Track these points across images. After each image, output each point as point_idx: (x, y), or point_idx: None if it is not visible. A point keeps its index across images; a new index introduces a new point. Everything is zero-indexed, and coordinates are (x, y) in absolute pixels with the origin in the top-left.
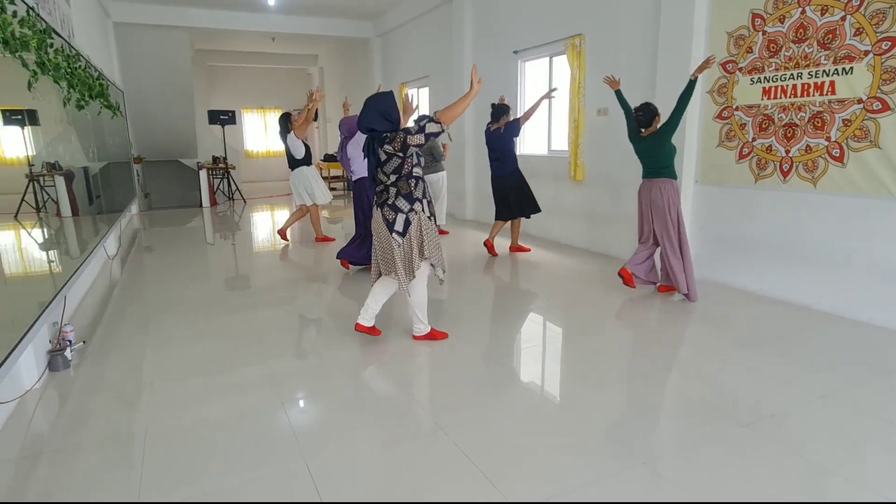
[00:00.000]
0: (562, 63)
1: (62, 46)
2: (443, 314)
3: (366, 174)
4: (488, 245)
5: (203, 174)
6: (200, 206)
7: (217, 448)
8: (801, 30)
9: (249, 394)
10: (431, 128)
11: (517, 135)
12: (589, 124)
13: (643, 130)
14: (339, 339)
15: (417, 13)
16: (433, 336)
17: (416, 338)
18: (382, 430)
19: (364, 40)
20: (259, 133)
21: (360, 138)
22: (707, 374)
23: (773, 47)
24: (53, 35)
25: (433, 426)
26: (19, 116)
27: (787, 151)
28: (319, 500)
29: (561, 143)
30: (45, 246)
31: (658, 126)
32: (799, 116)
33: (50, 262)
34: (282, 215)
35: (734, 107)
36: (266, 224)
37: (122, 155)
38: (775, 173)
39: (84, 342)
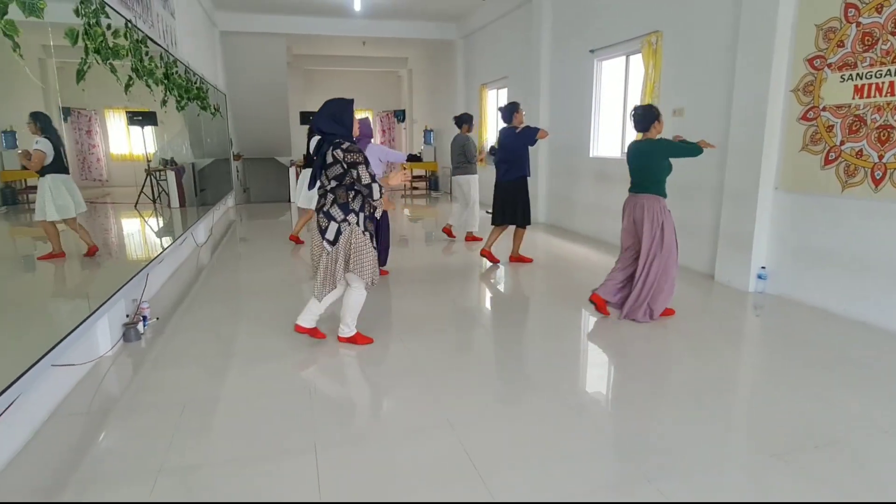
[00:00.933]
0: (638, 62)
1: (161, 54)
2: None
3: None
4: (485, 254)
5: (293, 171)
6: (289, 201)
7: (246, 422)
8: None
9: (310, 375)
10: (375, 192)
11: (531, 143)
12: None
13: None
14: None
15: (499, 14)
16: (356, 340)
17: (340, 339)
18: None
19: (448, 42)
20: None
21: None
22: (772, 396)
23: (867, 40)
24: (149, 44)
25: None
26: (140, 118)
27: (881, 157)
28: (320, 501)
29: None
30: (157, 232)
31: (656, 135)
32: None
33: (143, 244)
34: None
35: (821, 107)
36: None
37: (222, 152)
38: (866, 181)
39: (157, 318)
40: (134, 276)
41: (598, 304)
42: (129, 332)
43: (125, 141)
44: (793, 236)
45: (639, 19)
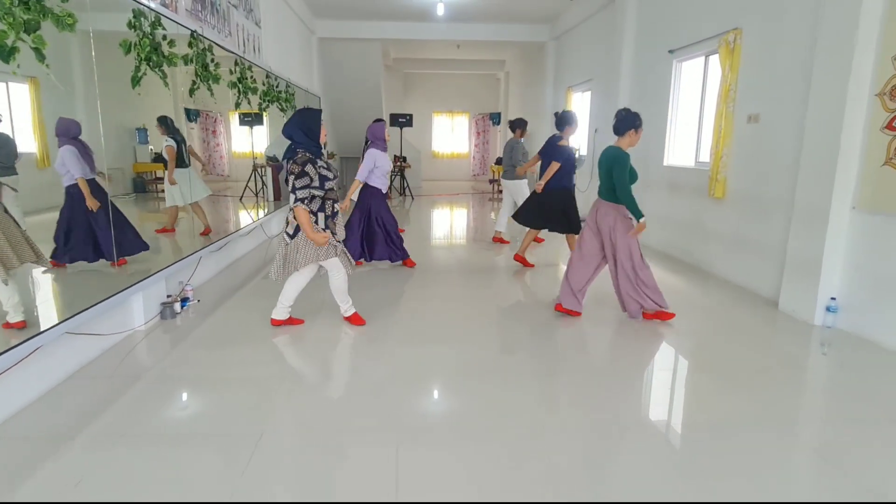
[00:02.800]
0: (717, 63)
1: (237, 60)
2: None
3: (381, 185)
4: (520, 259)
5: None
6: None
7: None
8: None
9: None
10: (301, 193)
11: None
12: (737, 133)
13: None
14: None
15: (586, 15)
16: (352, 320)
17: (345, 318)
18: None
19: (540, 44)
20: (446, 135)
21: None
22: (826, 449)
23: None
24: (220, 51)
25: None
26: (249, 118)
27: None
28: (318, 501)
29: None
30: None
31: (627, 146)
32: None
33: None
34: (438, 213)
35: None
36: (419, 218)
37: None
38: None
39: (199, 300)
40: (175, 263)
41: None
42: (166, 310)
43: (246, 140)
44: (871, 265)
45: (719, 15)
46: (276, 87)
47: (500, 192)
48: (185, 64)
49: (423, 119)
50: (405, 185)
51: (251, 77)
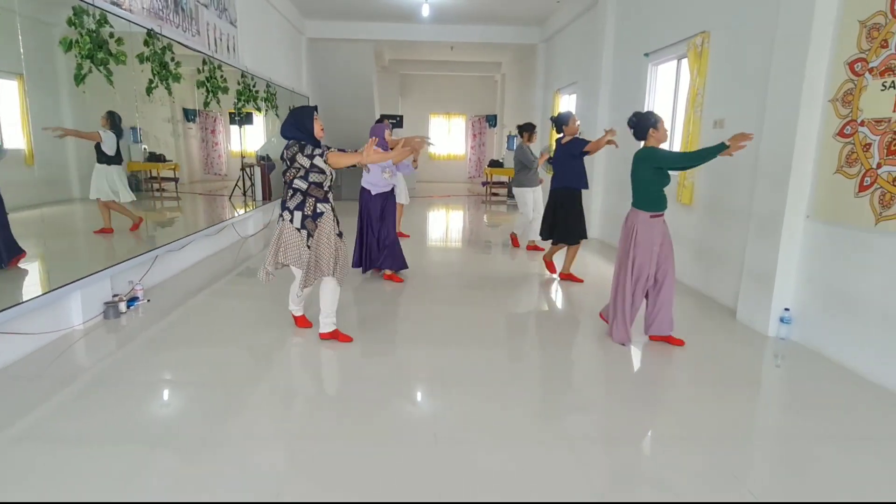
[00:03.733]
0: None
1: (205, 59)
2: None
3: (370, 185)
4: (546, 263)
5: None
6: None
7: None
8: None
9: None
10: (318, 162)
11: (576, 154)
12: (703, 138)
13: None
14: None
15: (572, 17)
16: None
17: (322, 335)
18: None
19: (531, 46)
20: (443, 137)
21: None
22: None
23: None
24: (186, 51)
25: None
26: (239, 118)
27: None
28: (316, 501)
29: None
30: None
31: (656, 144)
32: None
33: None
34: (420, 214)
35: (859, 121)
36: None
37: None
38: None
39: (149, 300)
40: (120, 263)
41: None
42: (109, 310)
43: (239, 140)
44: (822, 276)
45: (689, 17)
46: (254, 86)
47: (494, 194)
48: (141, 62)
49: (421, 121)
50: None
51: (221, 76)
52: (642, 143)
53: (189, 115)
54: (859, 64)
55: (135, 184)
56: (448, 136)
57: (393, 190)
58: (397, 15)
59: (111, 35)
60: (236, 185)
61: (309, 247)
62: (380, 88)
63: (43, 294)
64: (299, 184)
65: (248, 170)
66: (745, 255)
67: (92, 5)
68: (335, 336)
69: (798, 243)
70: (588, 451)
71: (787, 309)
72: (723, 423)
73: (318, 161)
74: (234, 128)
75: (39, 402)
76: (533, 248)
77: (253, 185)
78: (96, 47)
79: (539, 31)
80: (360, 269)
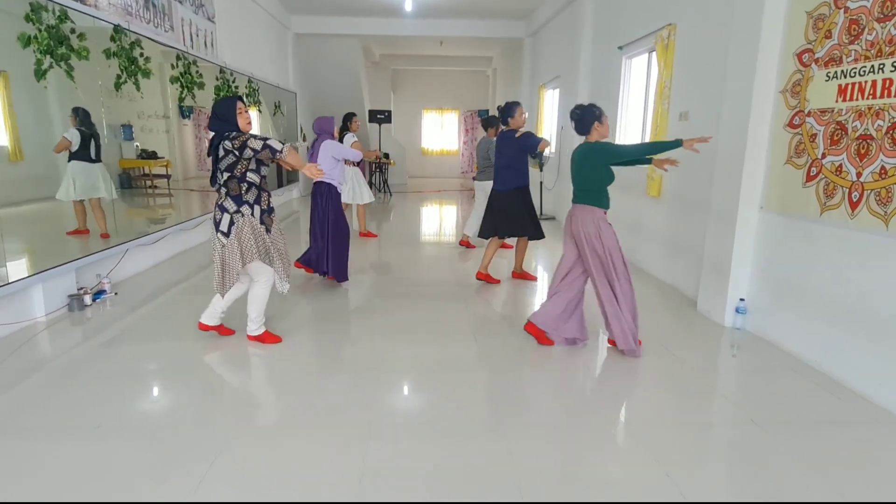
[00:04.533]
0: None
1: (179, 55)
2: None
3: (332, 179)
4: (481, 276)
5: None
6: None
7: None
8: (888, 2)
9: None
10: (273, 144)
11: (532, 152)
12: (671, 131)
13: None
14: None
15: (556, 10)
16: (263, 339)
17: (249, 337)
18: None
19: (518, 41)
20: (436, 132)
21: (329, 144)
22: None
23: (854, 29)
24: (159, 48)
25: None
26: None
27: (859, 174)
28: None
29: None
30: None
31: (598, 139)
32: (876, 126)
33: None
34: (424, 211)
35: (806, 111)
36: (389, 216)
37: None
38: (843, 203)
39: (116, 293)
40: (75, 260)
41: (534, 333)
42: (73, 302)
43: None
44: (773, 266)
45: (658, 10)
46: (233, 82)
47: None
48: (108, 58)
49: (413, 116)
50: (384, 181)
51: (197, 72)
52: (583, 137)
53: (184, 111)
54: (807, 55)
55: (126, 181)
56: (441, 132)
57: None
58: (382, 10)
59: (72, 31)
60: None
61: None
62: (371, 84)
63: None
64: (253, 177)
65: None
66: (704, 247)
67: (52, 1)
68: (263, 339)
69: (752, 234)
70: (525, 446)
71: (742, 299)
72: (664, 415)
73: (274, 144)
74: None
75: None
76: (465, 243)
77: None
78: (57, 43)
79: (525, 25)
80: (314, 270)
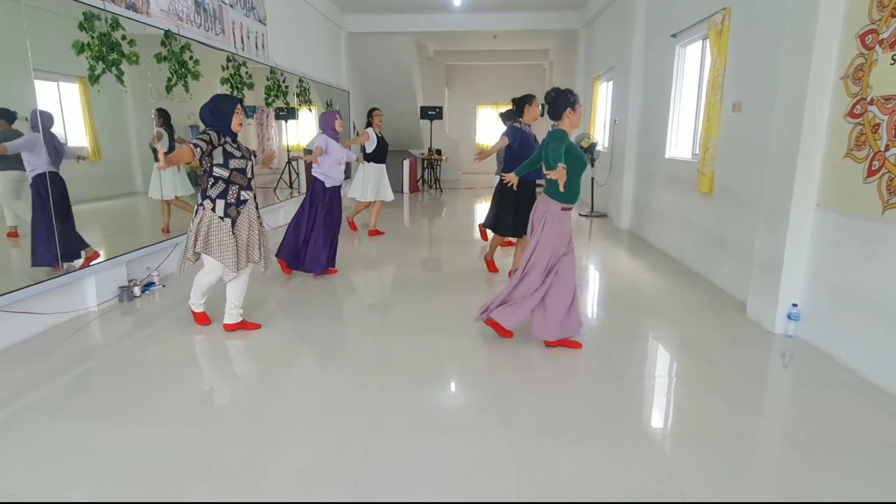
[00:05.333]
0: None
1: (228, 57)
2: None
3: (325, 175)
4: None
5: (406, 164)
6: (401, 192)
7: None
8: None
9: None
10: (229, 147)
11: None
12: (723, 123)
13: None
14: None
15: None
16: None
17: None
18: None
19: (573, 32)
20: (491, 127)
21: (320, 139)
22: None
23: None
24: (191, 49)
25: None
26: (284, 112)
27: None
28: (310, 501)
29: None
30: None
31: (570, 128)
32: None
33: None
34: (469, 207)
35: (869, 99)
36: (441, 211)
37: None
38: None
39: (164, 286)
40: (135, 250)
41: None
42: (123, 293)
43: (284, 134)
44: (830, 269)
45: None
46: (283, 81)
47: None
48: (158, 62)
49: (467, 112)
50: (436, 178)
51: (247, 73)
52: (554, 123)
53: (248, 111)
54: (870, 36)
55: (193, 180)
56: (496, 127)
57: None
58: (433, 6)
59: (123, 37)
60: (280, 177)
61: (234, 234)
62: (425, 80)
63: (54, 277)
64: (220, 171)
65: (293, 163)
66: (755, 248)
67: (103, 10)
68: (243, 326)
69: (807, 234)
70: (534, 450)
71: (794, 305)
72: (702, 424)
73: (228, 147)
74: (292, 122)
75: (51, 377)
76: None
77: (298, 177)
78: (109, 49)
79: (580, 15)
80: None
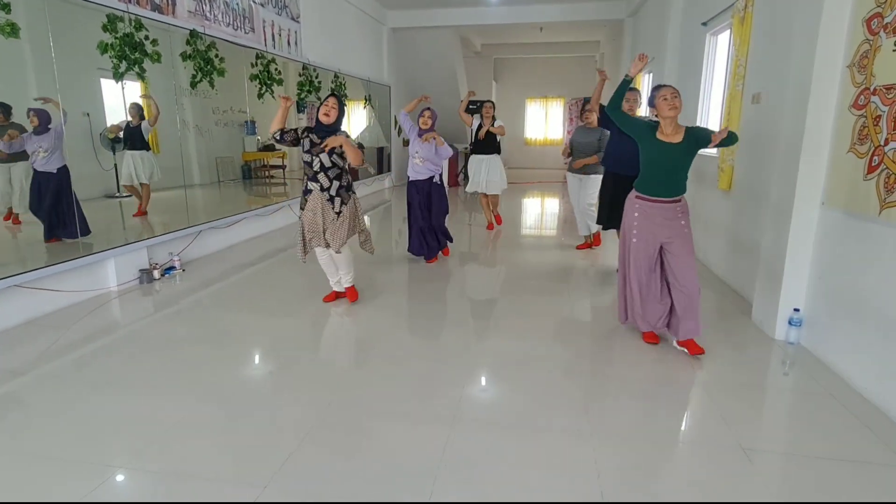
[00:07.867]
0: None
1: (258, 54)
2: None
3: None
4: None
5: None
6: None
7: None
8: None
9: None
10: (305, 143)
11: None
12: (744, 115)
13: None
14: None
15: None
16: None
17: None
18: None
19: (620, 22)
20: (540, 122)
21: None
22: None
23: None
24: (217, 47)
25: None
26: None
27: None
28: (310, 501)
29: None
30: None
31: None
32: None
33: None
34: (516, 204)
35: (871, 89)
36: (473, 208)
37: (375, 139)
38: None
39: (184, 270)
40: (157, 235)
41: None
42: (143, 275)
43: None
44: (831, 272)
45: None
46: (316, 77)
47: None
48: (183, 60)
49: (516, 106)
50: None
51: (276, 70)
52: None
53: (300, 106)
54: (875, 20)
55: (248, 172)
56: (545, 121)
57: (432, 177)
58: None
59: (146, 37)
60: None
61: (300, 220)
62: (472, 74)
63: (75, 258)
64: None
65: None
66: (761, 248)
67: (126, 12)
68: (334, 297)
69: (811, 234)
70: (558, 445)
71: (797, 310)
72: (649, 430)
73: (305, 142)
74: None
75: (69, 349)
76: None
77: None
78: (131, 49)
79: (626, 4)
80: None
